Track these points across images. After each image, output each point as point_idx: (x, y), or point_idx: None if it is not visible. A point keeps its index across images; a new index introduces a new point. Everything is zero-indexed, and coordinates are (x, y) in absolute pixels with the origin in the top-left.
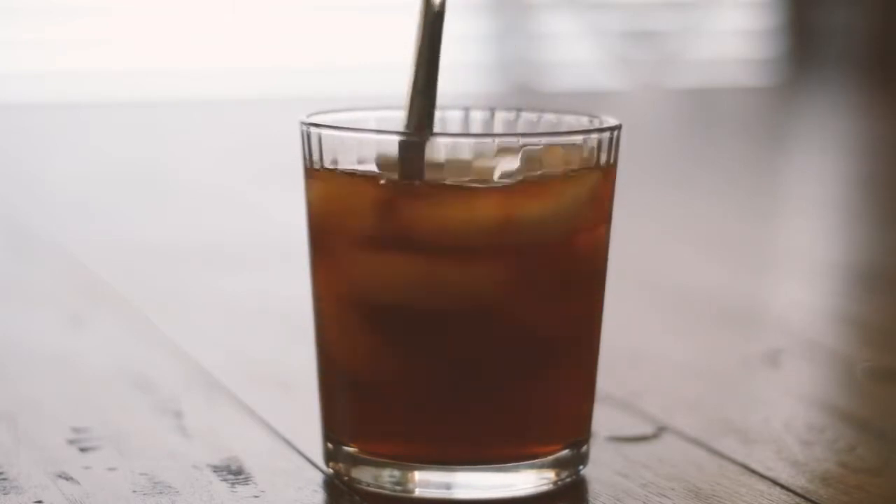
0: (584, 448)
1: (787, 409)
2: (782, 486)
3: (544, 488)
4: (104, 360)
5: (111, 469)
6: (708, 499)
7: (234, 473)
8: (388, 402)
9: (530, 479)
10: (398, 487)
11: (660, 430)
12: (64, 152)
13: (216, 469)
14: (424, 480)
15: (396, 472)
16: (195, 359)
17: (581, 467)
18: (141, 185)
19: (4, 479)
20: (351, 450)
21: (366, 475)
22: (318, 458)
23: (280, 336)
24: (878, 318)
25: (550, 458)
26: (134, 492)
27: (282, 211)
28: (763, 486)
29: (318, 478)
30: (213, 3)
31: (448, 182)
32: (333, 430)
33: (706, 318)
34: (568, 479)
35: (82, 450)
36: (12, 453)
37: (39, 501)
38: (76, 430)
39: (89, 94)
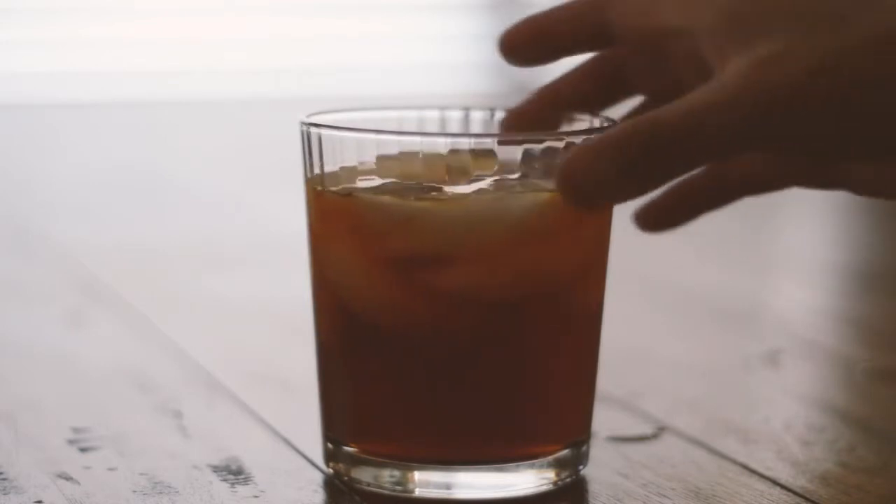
0: (584, 448)
1: (787, 409)
2: (782, 486)
3: (544, 488)
4: (104, 359)
5: (111, 469)
6: (708, 499)
7: (234, 473)
8: (388, 402)
9: (530, 479)
10: (398, 487)
11: (660, 430)
12: (64, 152)
13: (216, 469)
14: (424, 480)
15: (396, 472)
16: (195, 359)
17: (581, 467)
18: (141, 185)
19: (4, 479)
20: (351, 450)
21: (366, 475)
22: (318, 458)
23: (280, 336)
24: (878, 318)
25: (550, 458)
26: (134, 492)
27: (282, 211)
28: (763, 486)
29: (318, 478)
30: (213, 3)
31: (448, 192)
32: (333, 430)
33: (706, 318)
34: (568, 479)
35: (82, 450)
36: (12, 453)
37: (39, 501)
38: (76, 430)
39: (89, 94)
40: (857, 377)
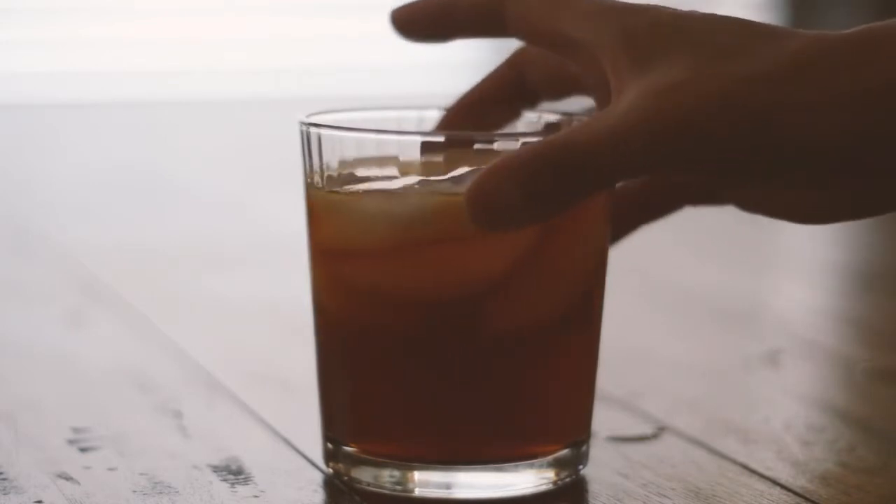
0: (584, 448)
1: (787, 409)
2: (782, 486)
3: (544, 488)
4: (104, 360)
5: (111, 469)
6: (708, 499)
7: (234, 473)
8: (387, 402)
9: (530, 478)
10: (398, 487)
11: (660, 430)
12: (64, 152)
13: (216, 469)
14: (424, 480)
15: (396, 472)
16: (195, 359)
17: (581, 467)
18: (141, 185)
19: (4, 479)
20: (350, 450)
21: (366, 475)
22: (318, 458)
23: (280, 336)
24: (878, 318)
25: (550, 457)
26: (134, 492)
27: (282, 211)
28: (763, 486)
29: (318, 478)
30: (213, 3)
31: (437, 182)
32: (333, 430)
33: (706, 318)
34: (567, 479)
35: (82, 450)
36: (12, 453)
37: (39, 501)
38: (76, 430)
39: (89, 94)
40: (857, 377)
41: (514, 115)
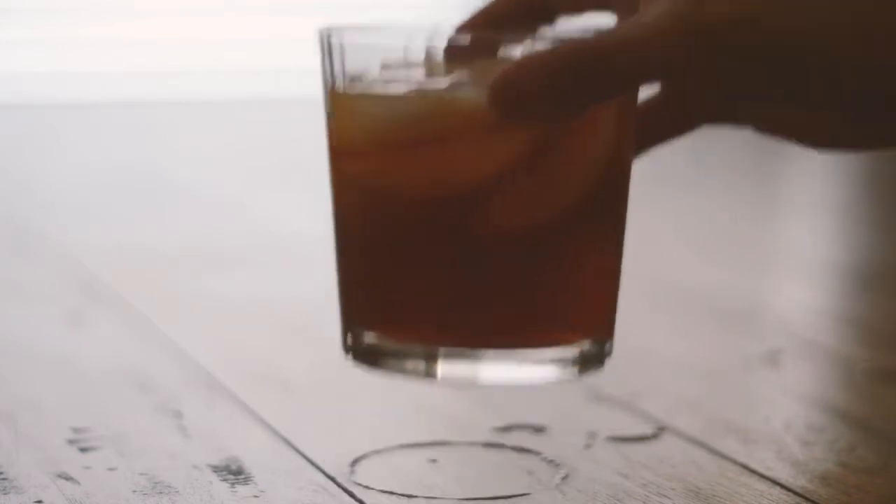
0: (608, 345)
1: (787, 409)
2: (782, 486)
3: (567, 378)
4: (104, 360)
5: (111, 469)
6: (708, 499)
7: (234, 473)
8: (408, 288)
9: (553, 369)
10: (421, 373)
11: (660, 430)
12: (64, 152)
13: (216, 469)
14: (447, 367)
15: (420, 361)
16: (195, 359)
17: (603, 364)
18: (141, 185)
19: (4, 479)
20: (372, 340)
21: (388, 365)
22: (318, 458)
23: (280, 336)
24: (878, 318)
25: (573, 348)
26: (134, 492)
27: (282, 211)
28: (763, 486)
29: (318, 478)
30: (213, 3)
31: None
32: (354, 320)
33: (706, 318)
34: (590, 372)
35: (82, 450)
36: (12, 453)
37: (39, 501)
38: (76, 430)
39: (89, 94)
40: (857, 377)
41: (529, 32)
